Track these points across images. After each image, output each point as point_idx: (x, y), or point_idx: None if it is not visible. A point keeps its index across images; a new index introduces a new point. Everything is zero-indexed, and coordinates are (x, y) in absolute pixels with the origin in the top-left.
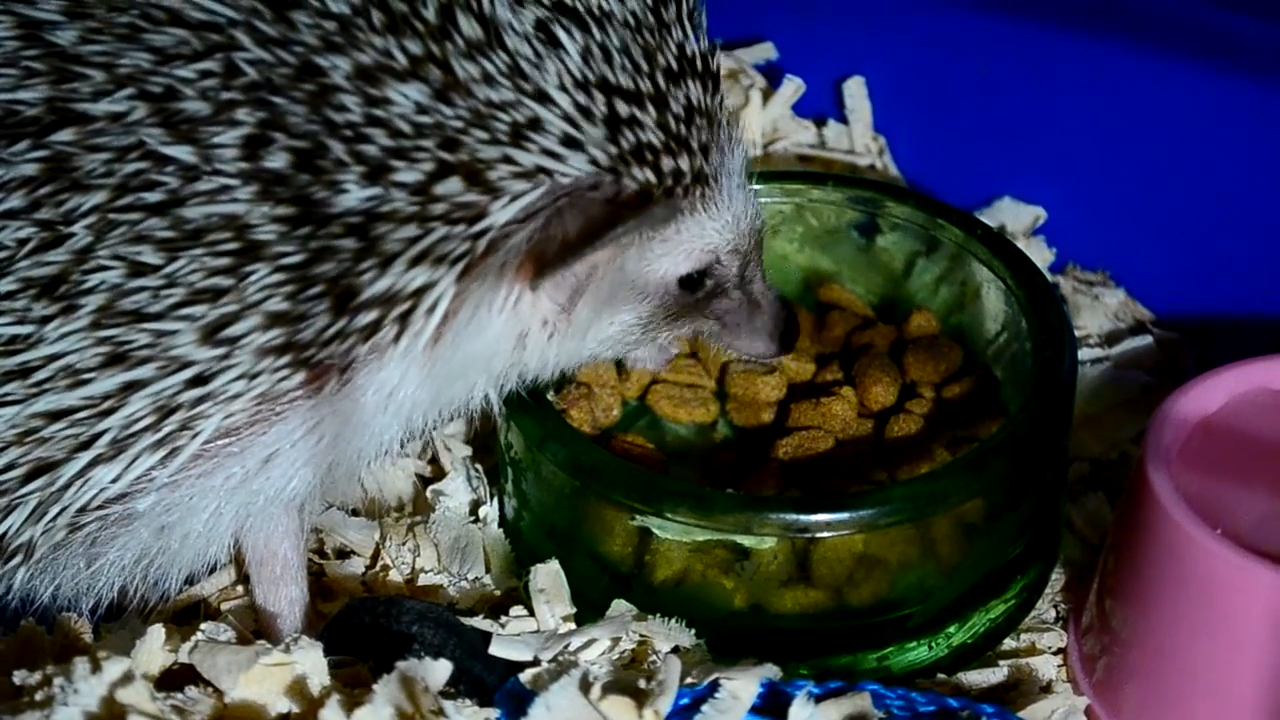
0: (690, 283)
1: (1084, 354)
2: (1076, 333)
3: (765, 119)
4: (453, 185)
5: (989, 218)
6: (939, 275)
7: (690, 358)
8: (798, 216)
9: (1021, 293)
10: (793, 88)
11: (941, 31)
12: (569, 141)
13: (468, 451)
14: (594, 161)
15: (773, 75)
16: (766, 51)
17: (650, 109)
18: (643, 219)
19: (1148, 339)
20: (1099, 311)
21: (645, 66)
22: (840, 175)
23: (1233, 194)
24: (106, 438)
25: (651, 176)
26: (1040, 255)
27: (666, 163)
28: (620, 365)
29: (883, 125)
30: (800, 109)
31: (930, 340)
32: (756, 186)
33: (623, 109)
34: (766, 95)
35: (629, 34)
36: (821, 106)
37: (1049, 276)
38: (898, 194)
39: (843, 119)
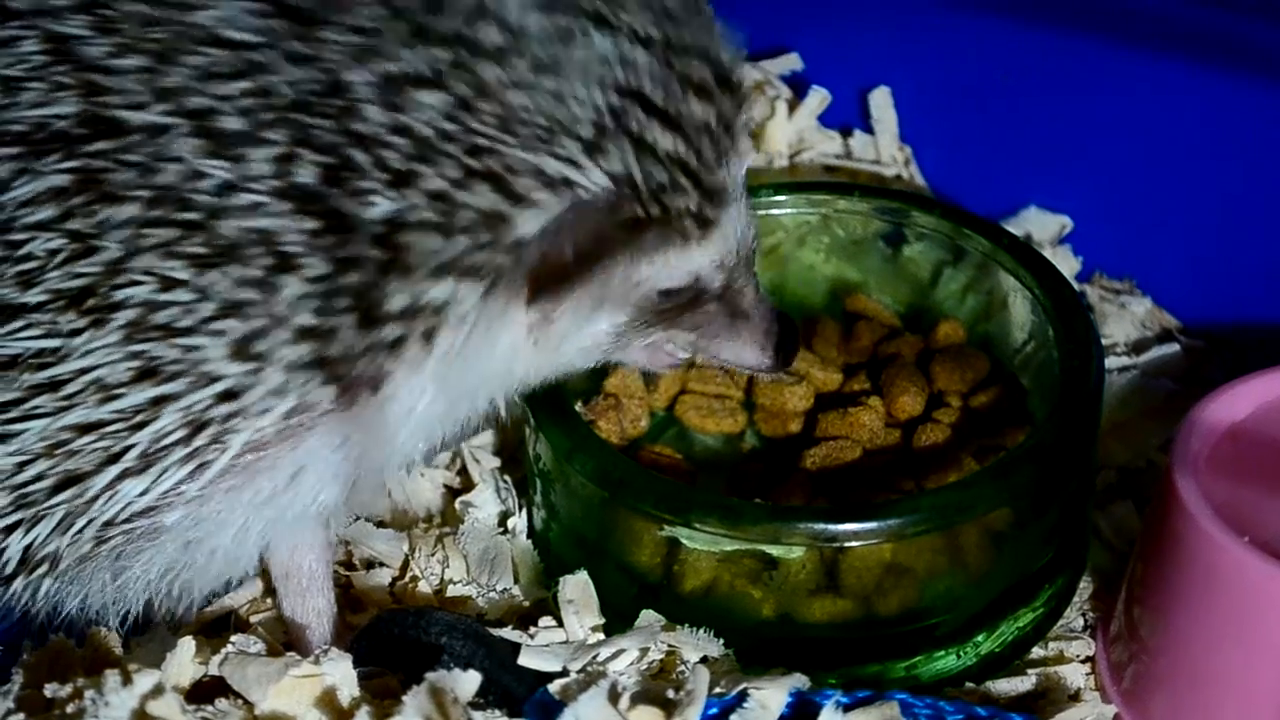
0: (670, 294)
1: (1111, 362)
2: (1103, 341)
3: (791, 130)
4: (477, 195)
5: (1015, 227)
6: (965, 284)
7: (718, 368)
8: (824, 227)
9: (1048, 301)
10: (818, 98)
11: (966, 41)
12: (592, 150)
13: (496, 463)
14: (612, 176)
15: (798, 86)
16: (792, 62)
17: (679, 143)
18: (635, 248)
19: (1174, 347)
20: (1126, 320)
21: (678, 90)
22: (866, 185)
23: (1259, 202)
24: (136, 451)
25: (657, 210)
26: (1066, 264)
27: (679, 203)
28: (648, 377)
29: (908, 135)
30: (826, 119)
31: (957, 349)
32: (781, 198)
33: (649, 134)
34: (792, 106)
35: (660, 52)
36: (847, 117)
37: (1075, 285)
38: (924, 204)
39: (868, 129)
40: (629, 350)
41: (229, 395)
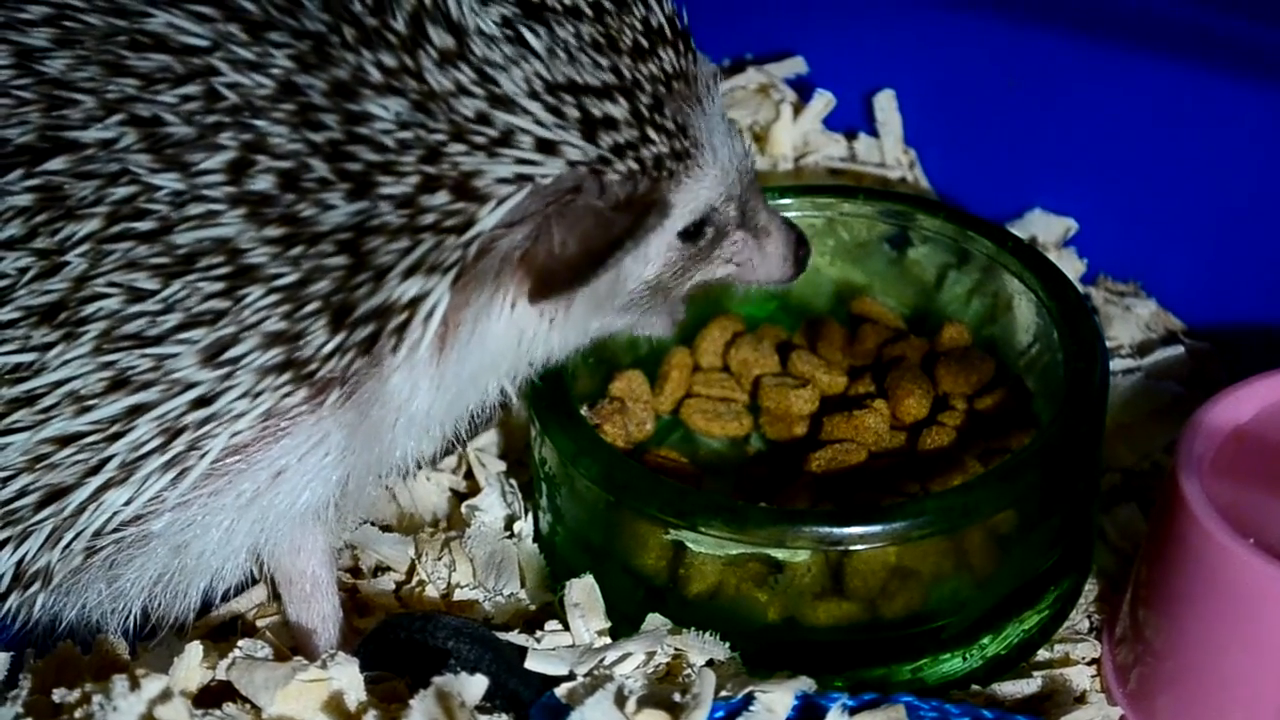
0: (691, 235)
1: (1116, 364)
2: (1108, 343)
3: (796, 133)
4: (438, 196)
5: (1020, 229)
6: (970, 287)
7: (723, 371)
8: (829, 230)
9: (1053, 304)
10: (823, 102)
11: (971, 44)
12: (544, 147)
13: (502, 467)
14: (573, 163)
15: (803, 89)
16: (797, 66)
17: (622, 101)
18: (639, 232)
19: (1179, 349)
20: (1130, 322)
21: (611, 56)
22: (871, 188)
23: (1264, 204)
24: (115, 461)
25: (633, 166)
26: (1071, 266)
27: (645, 152)
28: (653, 379)
29: (913, 138)
30: (831, 123)
31: (962, 352)
32: (786, 200)
33: (594, 109)
34: (797, 109)
35: (591, 24)
36: (852, 120)
37: (1080, 287)
38: (929, 207)
39: (873, 132)
40: (667, 302)
41: (203, 401)
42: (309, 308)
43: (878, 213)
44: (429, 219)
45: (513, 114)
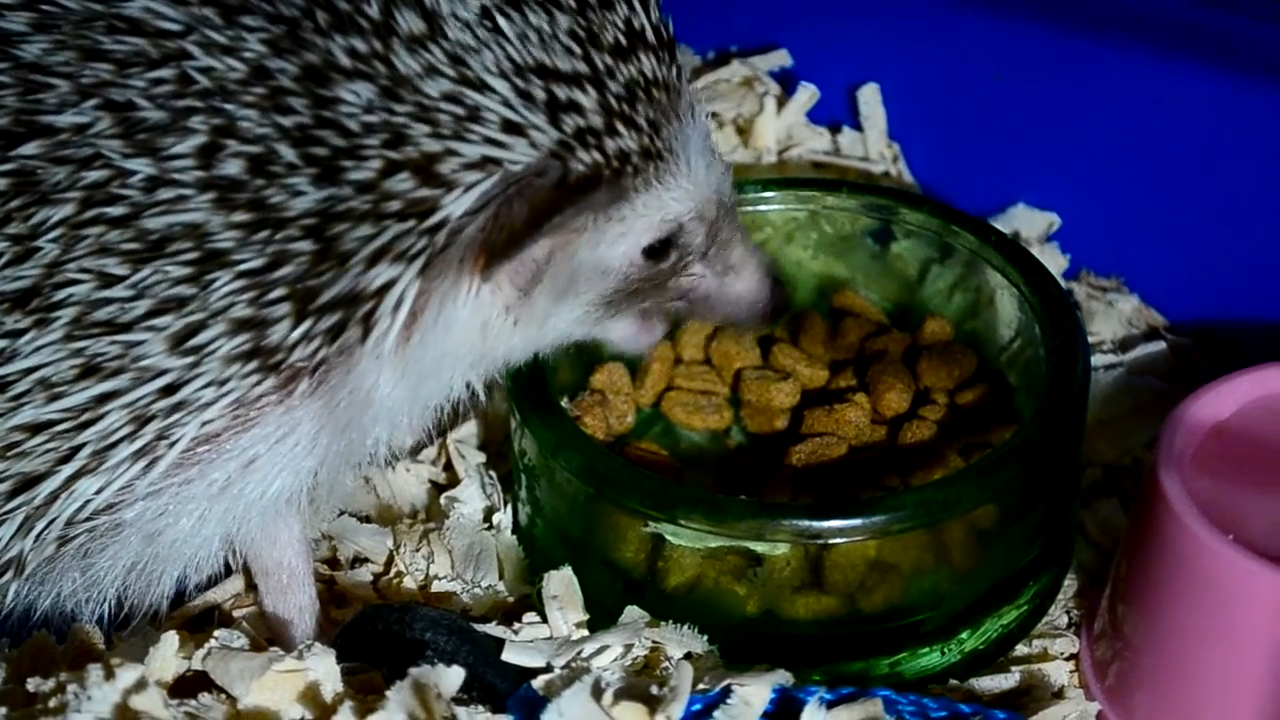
0: (655, 252)
1: (1097, 360)
2: (1090, 339)
3: (780, 126)
4: (402, 182)
5: (1003, 224)
6: (953, 282)
7: (704, 364)
8: (812, 223)
9: (1035, 299)
10: (807, 95)
11: (956, 39)
12: (510, 128)
13: (482, 458)
14: (536, 146)
15: (787, 82)
16: (781, 59)
17: (590, 90)
18: (585, 204)
19: (1161, 345)
20: (1113, 317)
21: (587, 48)
22: (855, 182)
23: (1247, 200)
24: (87, 450)
25: (598, 157)
26: (1054, 261)
27: (610, 144)
28: (634, 372)
29: (897, 132)
30: (815, 116)
31: (944, 346)
32: (770, 194)
33: (561, 93)
34: (781, 102)
35: (571, 16)
36: (836, 113)
37: (1063, 283)
38: (912, 201)
39: (857, 126)
40: (622, 323)
41: (170, 389)
42: (274, 294)
43: (861, 206)
44: (394, 206)
45: (481, 94)
